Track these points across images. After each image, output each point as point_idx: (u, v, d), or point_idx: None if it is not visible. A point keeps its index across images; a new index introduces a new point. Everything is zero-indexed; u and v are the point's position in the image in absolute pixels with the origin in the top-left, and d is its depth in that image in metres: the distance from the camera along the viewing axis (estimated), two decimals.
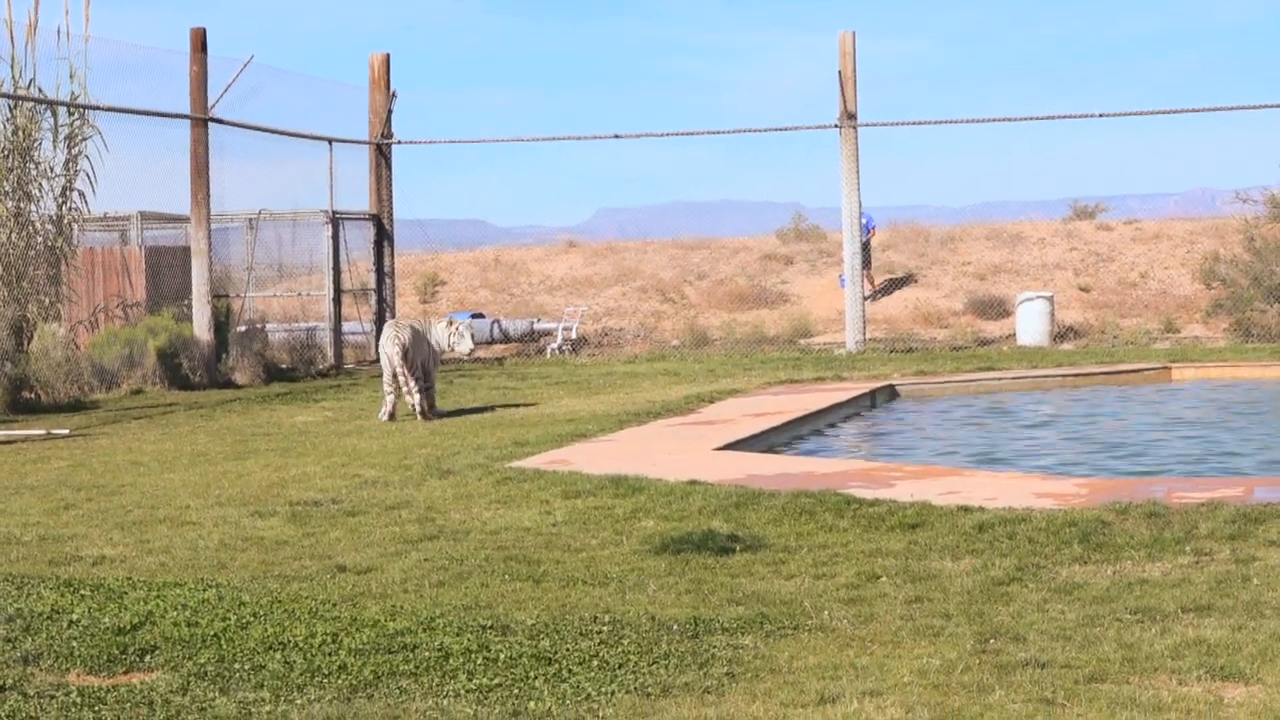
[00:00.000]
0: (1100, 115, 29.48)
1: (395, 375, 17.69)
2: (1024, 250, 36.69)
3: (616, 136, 31.37)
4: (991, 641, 7.30)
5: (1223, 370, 23.14)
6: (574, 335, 31.44)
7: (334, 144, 28.66)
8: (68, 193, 23.24)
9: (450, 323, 18.66)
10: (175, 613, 8.03)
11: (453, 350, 18.61)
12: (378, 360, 27.09)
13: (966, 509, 10.44)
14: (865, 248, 33.12)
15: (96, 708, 6.50)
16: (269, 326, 26.99)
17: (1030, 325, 29.95)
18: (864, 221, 33.01)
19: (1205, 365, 23.52)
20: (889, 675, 6.79)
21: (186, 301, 24.25)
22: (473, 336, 18.80)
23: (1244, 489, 11.14)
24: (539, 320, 32.21)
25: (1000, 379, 22.29)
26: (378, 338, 28.07)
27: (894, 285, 35.25)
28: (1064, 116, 30.12)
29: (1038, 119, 30.58)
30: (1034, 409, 19.60)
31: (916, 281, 35.41)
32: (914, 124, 30.49)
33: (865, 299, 31.15)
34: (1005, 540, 9.52)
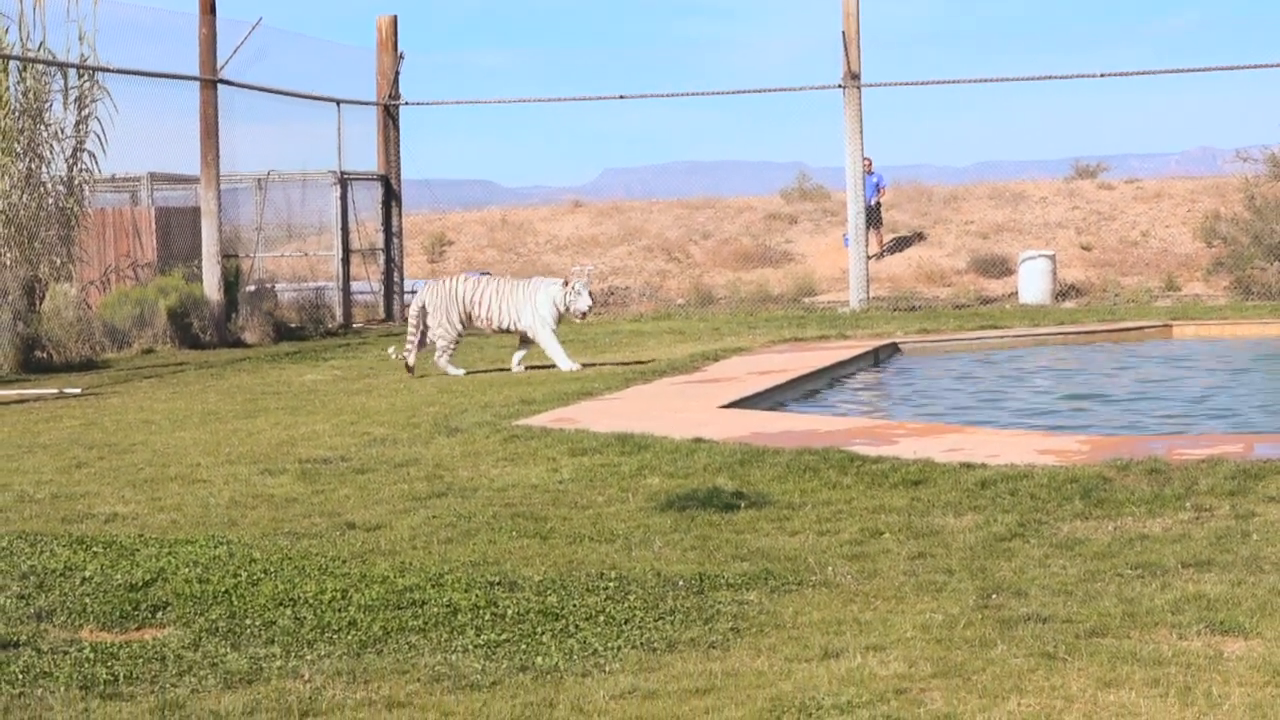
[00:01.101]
0: (1102, 75, 29.51)
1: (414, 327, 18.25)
2: (1026, 209, 36.72)
3: (621, 97, 31.44)
4: (993, 596, 7.37)
5: (1223, 328, 23.19)
6: None
7: (342, 105, 28.78)
8: (78, 154, 23.25)
9: (566, 282, 18.14)
10: (187, 569, 8.11)
11: (568, 310, 18.04)
12: (389, 320, 27.55)
13: (969, 466, 10.52)
14: (877, 207, 33.31)
15: (109, 663, 6.57)
16: (278, 286, 27.18)
17: (1032, 284, 30.02)
18: (875, 180, 33.14)
19: (1206, 323, 23.56)
20: (892, 630, 6.87)
21: (196, 262, 24.33)
22: (591, 294, 18.24)
23: (1244, 446, 11.18)
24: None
25: (1003, 337, 22.36)
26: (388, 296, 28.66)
27: (901, 244, 35.31)
28: (1066, 76, 30.29)
29: (1040, 79, 30.55)
30: (1036, 367, 19.67)
31: (924, 239, 35.48)
32: (917, 84, 30.51)
33: (872, 257, 31.28)
34: (1007, 497, 9.60)
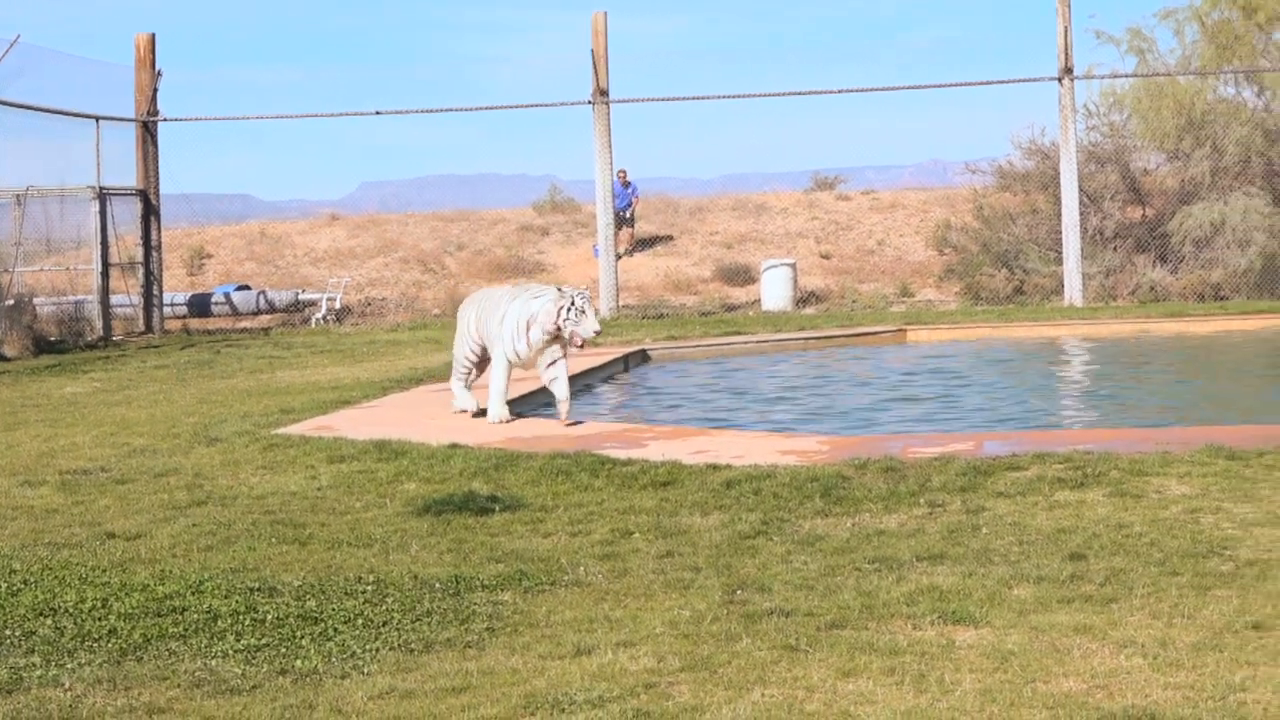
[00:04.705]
0: (839, 91, 30.27)
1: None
2: (768, 220, 37.48)
3: (378, 113, 31.42)
4: (739, 592, 7.60)
5: (954, 332, 23.81)
6: (338, 305, 31.50)
7: (101, 121, 28.44)
8: None
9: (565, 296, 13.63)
10: None
11: (558, 332, 13.66)
12: (148, 332, 27.07)
13: (715, 467, 10.79)
14: (629, 209, 34.38)
15: None
16: (37, 300, 26.75)
17: (774, 291, 30.63)
18: (631, 190, 34.26)
19: (938, 327, 24.17)
20: (642, 626, 7.07)
21: None
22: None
23: (974, 443, 11.56)
24: (304, 291, 32.22)
25: (747, 342, 22.73)
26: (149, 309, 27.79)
27: (647, 244, 36.00)
28: (805, 93, 30.78)
29: (781, 94, 31.19)
30: (779, 370, 20.01)
31: (673, 240, 36.09)
32: (664, 100, 30.87)
33: (622, 255, 32.01)
34: (751, 496, 9.88)
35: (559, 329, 13.51)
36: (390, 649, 6.88)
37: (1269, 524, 8.75)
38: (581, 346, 13.69)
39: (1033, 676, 6.22)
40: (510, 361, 13.85)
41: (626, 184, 34.28)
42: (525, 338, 13.70)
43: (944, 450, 11.15)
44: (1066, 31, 27.94)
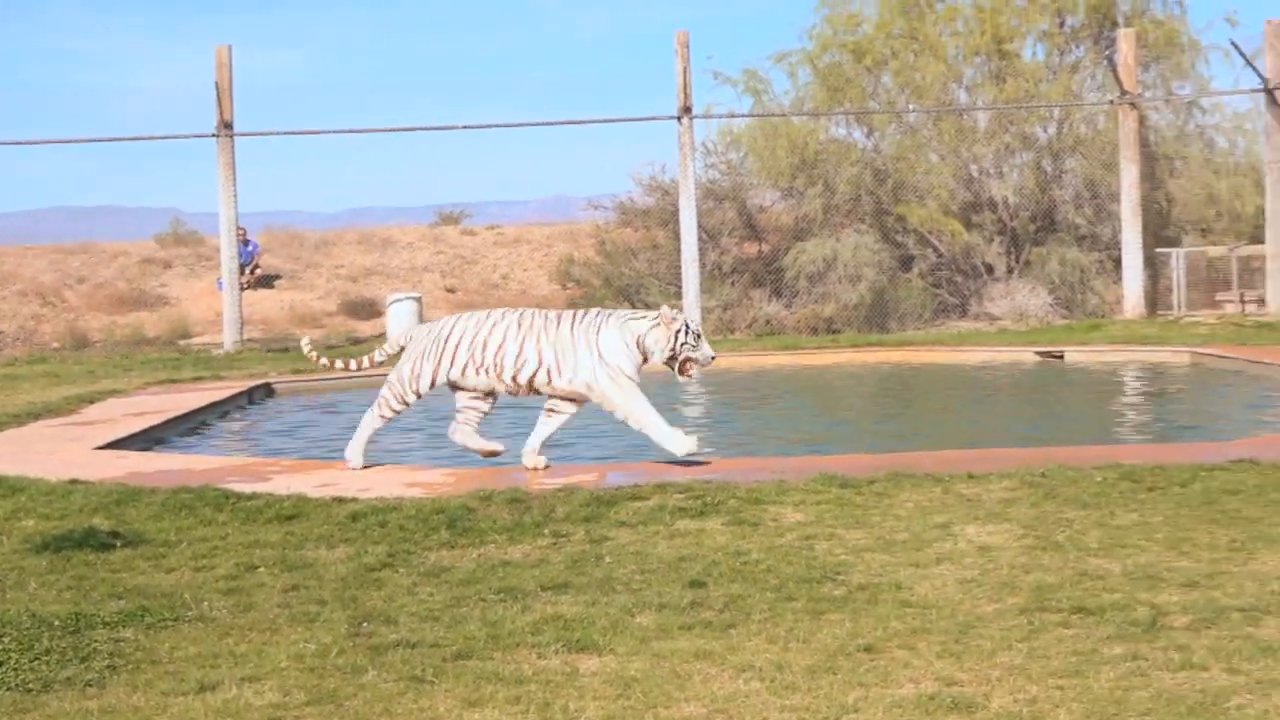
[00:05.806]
0: (465, 127, 30.63)
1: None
2: (394, 254, 37.56)
3: None
4: (365, 625, 7.65)
5: None
6: None
7: None
8: None
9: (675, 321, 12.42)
10: None
11: (673, 359, 12.40)
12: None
13: (341, 500, 10.82)
14: (250, 263, 34.26)
15: None
16: None
17: (400, 325, 30.63)
18: (251, 249, 34.23)
19: None
20: (267, 661, 7.07)
21: None
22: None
23: (597, 474, 11.81)
24: None
25: (372, 375, 22.64)
26: None
27: (271, 278, 35.78)
28: (430, 128, 31.09)
29: (407, 129, 31.33)
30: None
31: (281, 277, 35.98)
32: (288, 134, 30.74)
33: (244, 288, 31.80)
34: (377, 528, 9.93)
35: (673, 354, 12.29)
36: (7, 689, 6.74)
37: (879, 549, 9.10)
38: (691, 375, 12.44)
39: (654, 702, 6.38)
40: (636, 384, 12.38)
41: (246, 242, 34.06)
42: (632, 357, 12.35)
43: (568, 481, 11.34)
44: (685, 71, 28.59)
